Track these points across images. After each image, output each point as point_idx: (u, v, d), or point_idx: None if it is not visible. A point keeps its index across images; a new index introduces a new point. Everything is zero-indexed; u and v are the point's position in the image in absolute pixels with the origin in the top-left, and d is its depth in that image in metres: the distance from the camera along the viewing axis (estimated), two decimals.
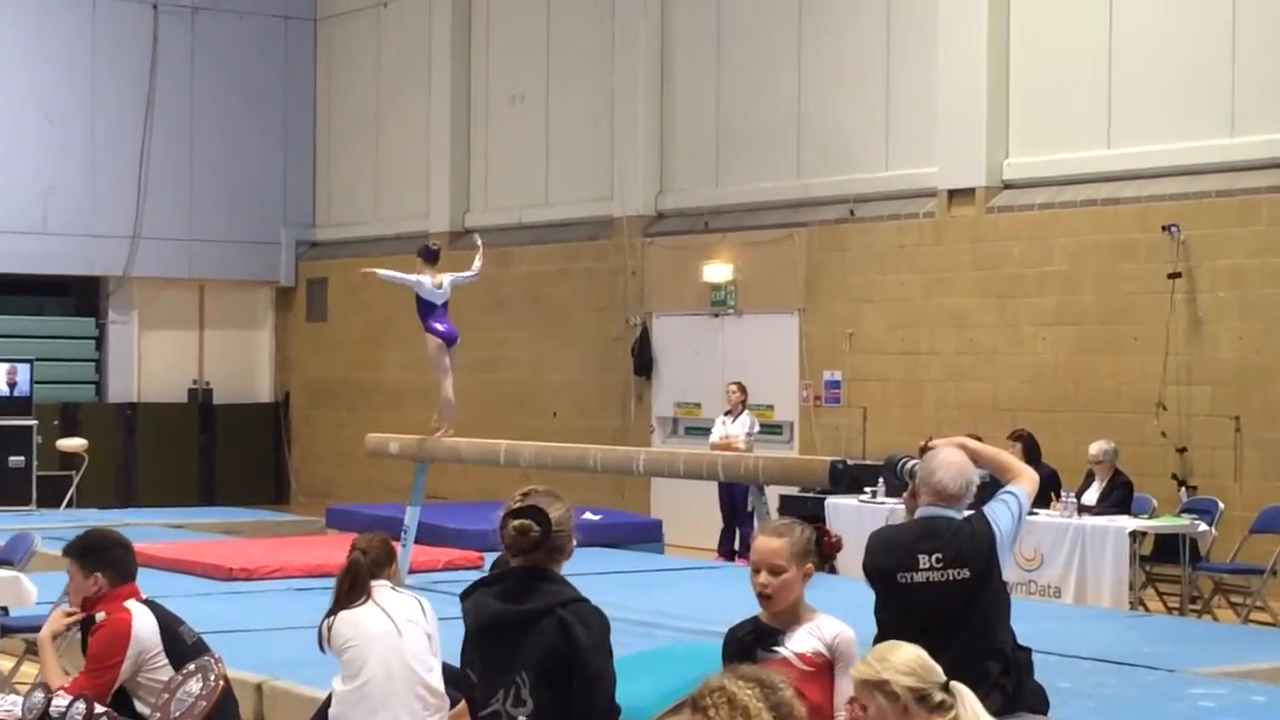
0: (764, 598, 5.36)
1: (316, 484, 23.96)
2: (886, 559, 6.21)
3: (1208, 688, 9.07)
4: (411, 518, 12.78)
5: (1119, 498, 13.77)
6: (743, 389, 16.77)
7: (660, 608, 11.89)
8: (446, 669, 6.58)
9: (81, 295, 23.89)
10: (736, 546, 16.41)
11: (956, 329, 16.50)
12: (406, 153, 23.26)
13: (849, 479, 10.73)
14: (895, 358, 17.05)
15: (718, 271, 18.83)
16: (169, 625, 6.39)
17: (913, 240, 16.98)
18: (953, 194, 16.61)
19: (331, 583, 6.85)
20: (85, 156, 23.16)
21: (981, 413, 15.88)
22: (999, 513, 6.22)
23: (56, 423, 21.92)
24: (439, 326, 12.92)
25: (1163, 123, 15.18)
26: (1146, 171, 15.26)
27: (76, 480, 20.45)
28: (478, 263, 13.24)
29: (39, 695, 5.80)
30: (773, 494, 13.02)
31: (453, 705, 6.43)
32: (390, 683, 6.50)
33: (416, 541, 13.04)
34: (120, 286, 23.69)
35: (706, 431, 17.32)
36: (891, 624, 6.19)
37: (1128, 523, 13.29)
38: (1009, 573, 6.37)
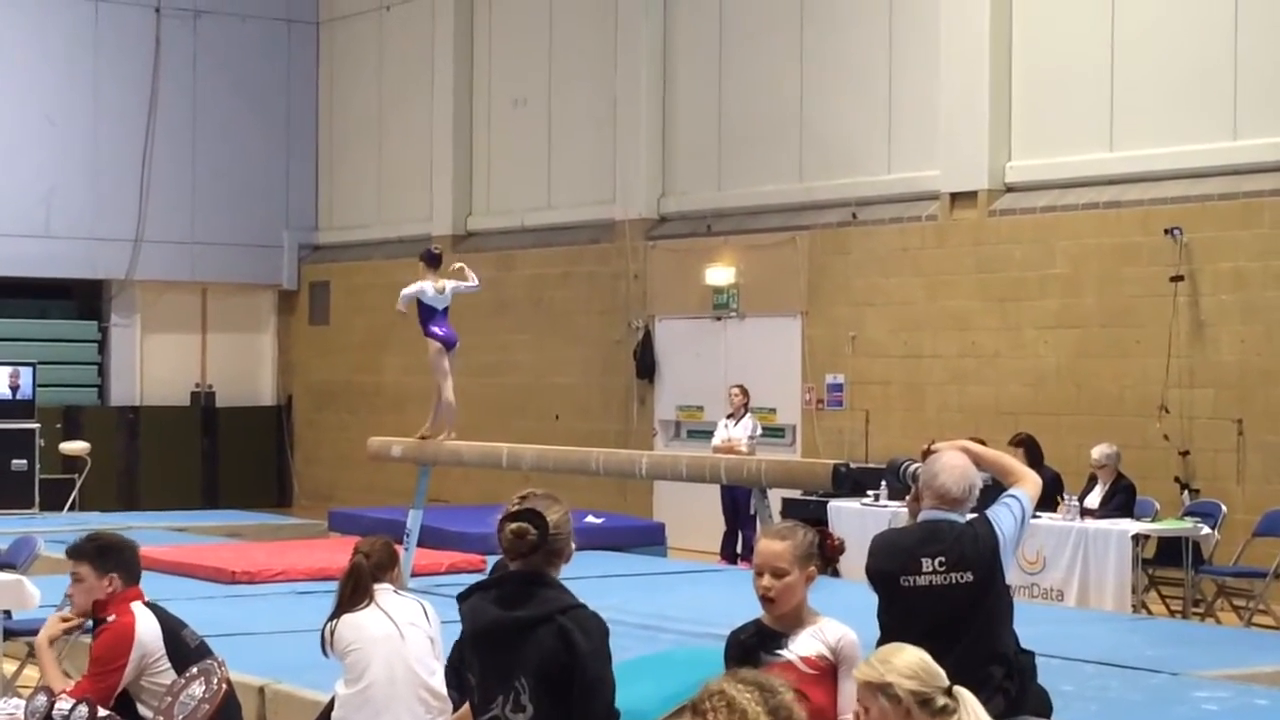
0: (767, 601, 5.35)
1: (319, 487, 23.96)
2: (889, 562, 6.21)
3: (1211, 691, 9.07)
4: (414, 521, 12.78)
5: (1121, 501, 13.77)
6: (745, 392, 16.78)
7: (663, 611, 11.89)
8: (449, 672, 6.58)
9: (84, 298, 23.90)
10: (739, 549, 16.41)
11: (959, 332, 16.50)
12: (409, 156, 23.27)
13: (851, 482, 10.72)
14: (897, 361, 17.05)
15: (720, 274, 18.83)
16: (172, 629, 6.39)
17: (915, 243, 16.98)
18: (955, 197, 16.62)
19: (334, 586, 6.86)
20: (88, 159, 23.17)
21: (984, 416, 15.88)
22: (1002, 516, 6.22)
23: (59, 426, 21.93)
24: (438, 331, 12.91)
25: (1165, 126, 15.18)
26: (1149, 174, 15.26)
27: (79, 483, 20.44)
28: (472, 277, 13.16)
29: (41, 699, 5.80)
30: (775, 497, 13.01)
31: (455, 708, 6.43)
32: (393, 686, 6.50)
33: (419, 545, 13.04)
34: (123, 290, 23.69)
35: (709, 434, 17.32)
36: (894, 627, 6.19)
37: (1130, 526, 13.28)
38: (1012, 576, 6.36)
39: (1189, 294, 14.72)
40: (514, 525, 5.03)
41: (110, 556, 6.43)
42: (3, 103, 22.57)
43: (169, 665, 6.25)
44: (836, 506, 14.71)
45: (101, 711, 5.87)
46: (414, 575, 12.39)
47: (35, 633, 7.21)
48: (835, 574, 11.78)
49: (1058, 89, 16.04)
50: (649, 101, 19.80)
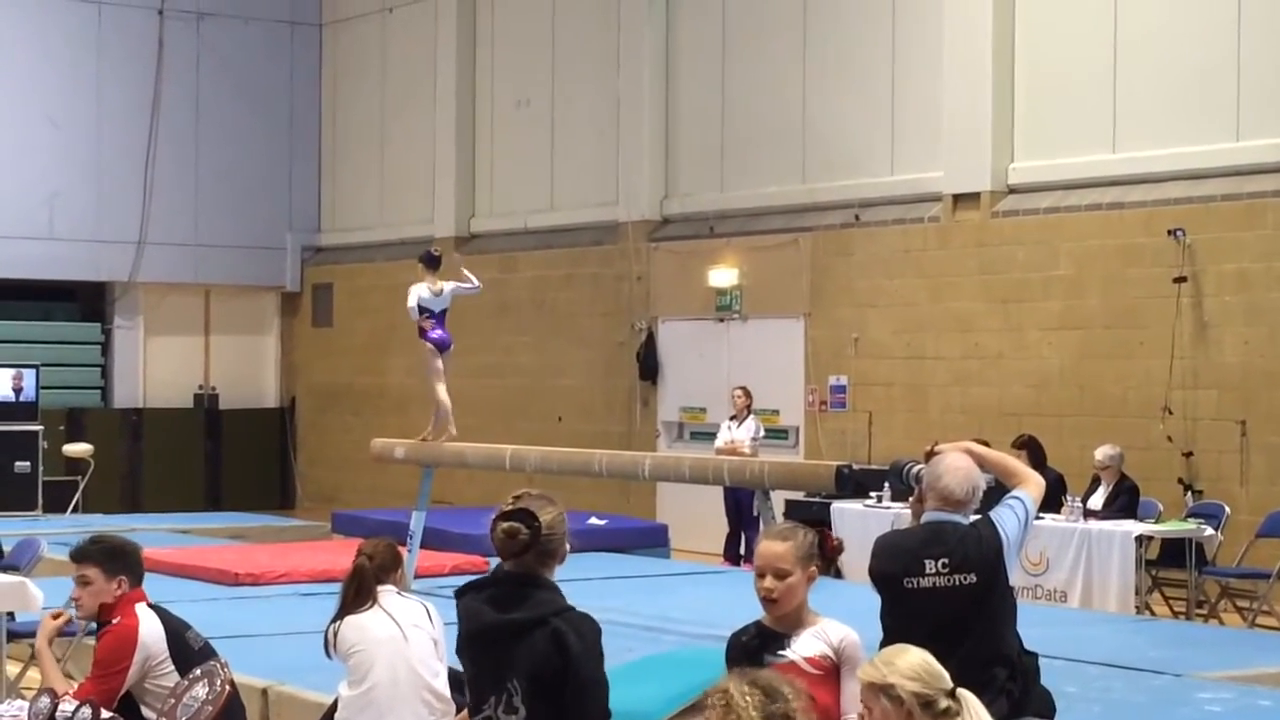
0: (769, 602, 5.35)
1: (322, 489, 23.97)
2: (892, 564, 6.20)
3: (1214, 692, 9.07)
4: (417, 522, 12.79)
5: (1125, 502, 13.77)
6: (748, 394, 16.77)
7: (666, 612, 11.89)
8: (452, 674, 6.58)
9: (87, 300, 23.91)
10: (742, 551, 16.41)
11: (962, 333, 16.50)
12: (412, 158, 23.27)
13: (854, 484, 10.72)
14: (900, 362, 17.05)
15: (723, 276, 18.83)
16: (175, 630, 6.39)
17: (918, 245, 16.98)
18: (958, 198, 16.62)
19: (337, 588, 6.86)
20: (91, 162, 23.18)
21: (987, 417, 15.87)
22: (1005, 518, 6.21)
23: (62, 428, 21.93)
24: (431, 334, 12.91)
25: (1168, 127, 15.18)
26: (1152, 176, 15.26)
27: (82, 485, 20.44)
28: (472, 278, 13.17)
29: (45, 700, 5.80)
30: (778, 499, 13.02)
31: (459, 710, 6.43)
32: (396, 687, 6.50)
33: (422, 546, 13.05)
34: (126, 292, 23.70)
35: (712, 436, 17.32)
36: (897, 629, 6.19)
37: (1134, 527, 13.27)
38: (1015, 577, 6.35)
39: (1192, 295, 14.72)
40: (505, 525, 5.02)
41: (118, 559, 6.43)
42: (6, 105, 22.58)
43: (173, 667, 6.25)
44: (839, 508, 14.71)
45: (105, 713, 5.87)
46: (417, 577, 12.40)
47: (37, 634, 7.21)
48: (838, 575, 11.80)
49: (1060, 90, 16.04)
50: (652, 103, 19.81)
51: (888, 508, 14.14)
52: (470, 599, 5.11)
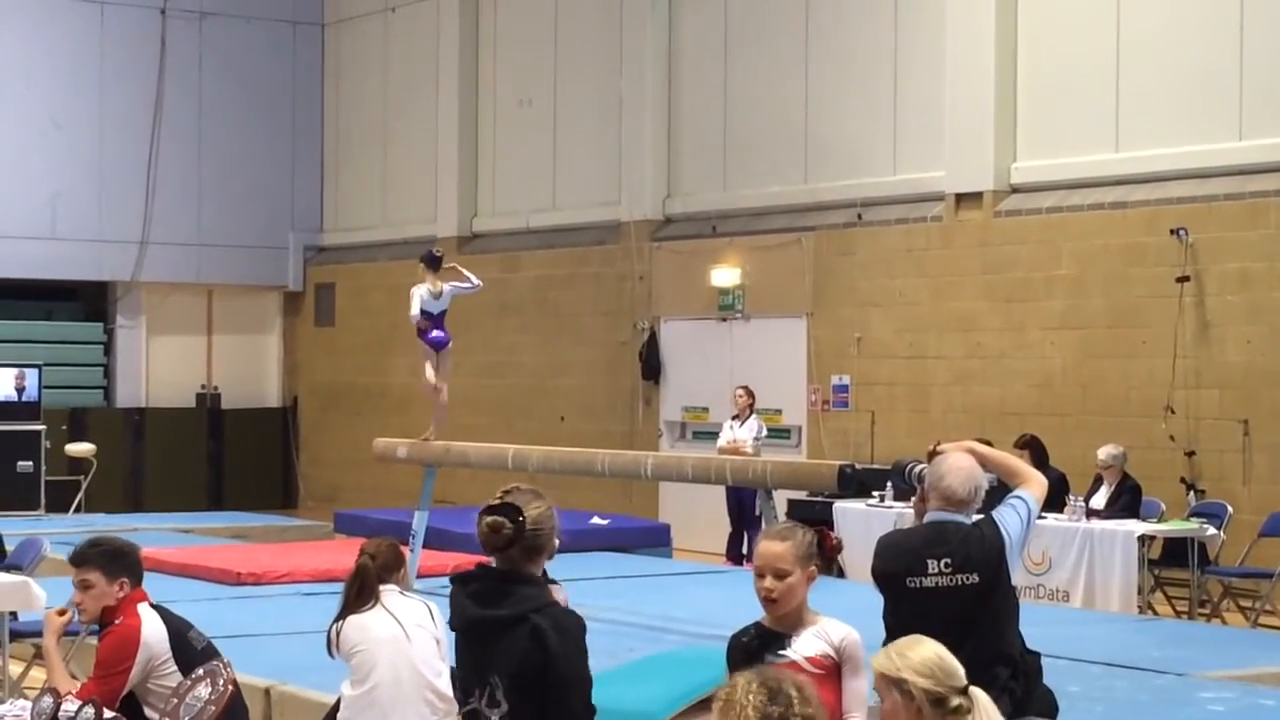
0: (770, 602, 5.34)
1: (324, 489, 23.97)
2: (895, 564, 6.21)
3: (1217, 692, 9.07)
4: (420, 522, 12.79)
5: (1127, 502, 13.77)
6: (750, 393, 16.77)
7: (668, 612, 11.90)
8: (454, 673, 6.58)
9: (90, 300, 23.92)
10: (745, 550, 16.40)
11: (964, 333, 16.50)
12: (414, 157, 23.27)
13: (857, 483, 10.71)
14: (903, 362, 17.05)
15: (725, 276, 18.83)
16: (178, 631, 6.39)
17: (920, 244, 16.97)
18: (960, 198, 16.61)
19: (340, 587, 6.86)
20: (93, 162, 23.19)
21: (989, 417, 15.87)
22: (1008, 517, 6.22)
23: (65, 428, 21.94)
24: (429, 334, 12.92)
25: (1171, 126, 15.17)
26: (1154, 175, 15.25)
27: (85, 485, 20.45)
28: (471, 277, 13.17)
29: (48, 700, 5.80)
30: (781, 498, 13.02)
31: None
32: (399, 687, 6.50)
33: (425, 546, 13.05)
34: (128, 291, 23.71)
35: (714, 435, 17.32)
36: (900, 629, 6.18)
37: (1136, 526, 13.28)
38: (1017, 577, 6.35)
39: (1195, 294, 14.71)
40: (489, 519, 5.02)
41: (118, 561, 6.42)
42: (8, 106, 22.59)
43: (175, 667, 6.25)
44: (842, 508, 14.72)
45: (108, 713, 5.86)
46: (419, 576, 12.39)
47: (41, 634, 7.21)
48: (840, 575, 11.80)
49: (1063, 90, 16.03)
50: (654, 102, 19.81)
51: (890, 507, 14.14)
52: (455, 592, 5.12)
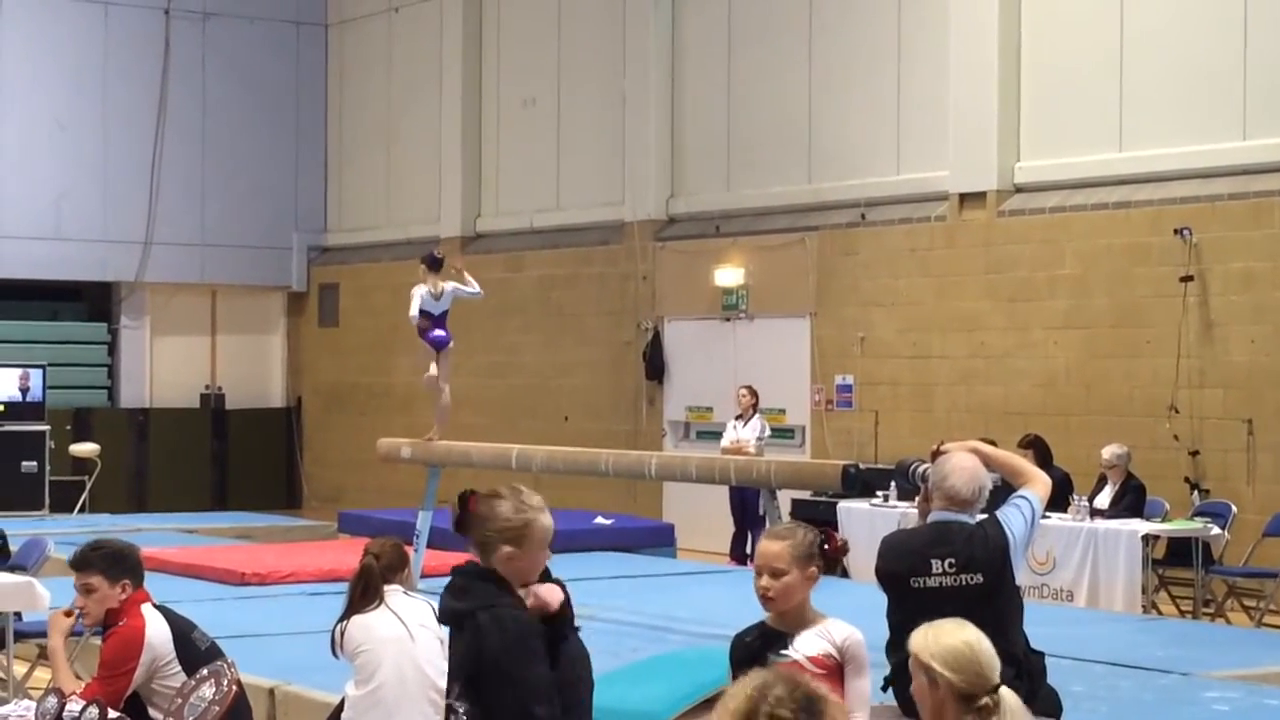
0: (766, 600, 5.35)
1: (328, 489, 23.98)
2: (899, 564, 6.21)
3: (1221, 691, 9.06)
4: (424, 522, 12.79)
5: (1131, 501, 13.76)
6: (753, 393, 16.76)
7: (672, 611, 11.90)
8: None
9: (94, 300, 23.93)
10: (749, 550, 16.40)
11: (968, 333, 16.49)
12: (418, 157, 23.28)
13: (861, 483, 10.72)
14: (907, 361, 17.04)
15: (729, 275, 18.83)
16: (182, 631, 6.39)
17: (924, 244, 16.97)
18: (964, 197, 16.61)
19: (344, 587, 6.86)
20: (97, 162, 23.20)
21: (993, 416, 15.87)
22: (1012, 517, 6.22)
23: (69, 428, 21.95)
24: (430, 333, 12.92)
25: (1174, 126, 15.17)
26: (1158, 175, 15.25)
27: (89, 485, 20.47)
28: (473, 283, 13.16)
29: (52, 700, 5.81)
30: (785, 498, 13.02)
31: None
32: (403, 687, 6.50)
33: (429, 546, 13.05)
34: (132, 292, 23.72)
35: (718, 435, 17.32)
36: (904, 628, 6.18)
37: (1140, 526, 13.27)
38: (1021, 577, 6.35)
39: (1199, 294, 14.71)
40: (459, 495, 5.00)
41: (120, 563, 6.42)
42: (13, 107, 22.60)
43: (179, 668, 6.25)
44: (846, 507, 14.72)
45: (112, 714, 5.87)
46: (424, 576, 12.37)
47: (45, 634, 7.22)
48: (844, 575, 11.79)
49: (1067, 89, 16.02)
50: (658, 102, 19.81)
51: (894, 507, 14.14)
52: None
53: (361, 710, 6.52)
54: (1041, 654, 6.25)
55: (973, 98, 16.46)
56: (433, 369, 13.04)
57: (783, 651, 5.30)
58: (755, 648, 5.33)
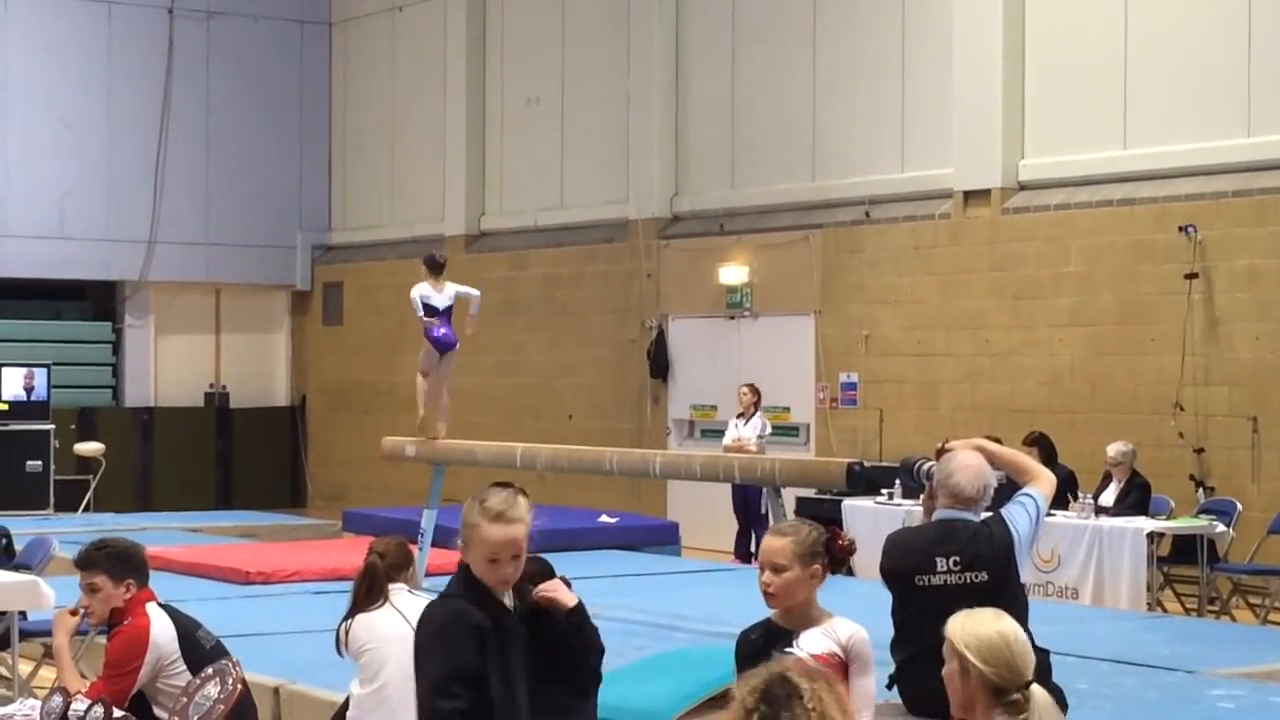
0: (768, 596, 5.36)
1: (333, 487, 23.99)
2: (904, 562, 6.21)
3: (1227, 689, 9.05)
4: (428, 521, 12.78)
5: (1136, 499, 13.75)
6: (755, 391, 16.75)
7: (677, 610, 11.89)
8: None
9: (98, 300, 23.94)
10: (753, 549, 16.40)
11: (973, 330, 16.49)
12: (422, 156, 23.29)
13: (866, 481, 10.71)
14: (911, 359, 17.04)
15: (733, 274, 18.83)
16: (187, 630, 6.39)
17: (928, 242, 16.97)
18: (968, 195, 16.60)
19: (349, 586, 6.86)
20: (102, 161, 23.21)
21: (998, 414, 15.87)
22: (1017, 515, 6.22)
23: (74, 427, 21.96)
24: (435, 332, 12.89)
25: (1179, 123, 15.16)
26: (1163, 172, 15.24)
27: (94, 484, 20.47)
28: (473, 294, 13.11)
29: (57, 699, 5.81)
30: (789, 496, 13.01)
31: None
32: (407, 685, 6.46)
33: (433, 544, 13.04)
34: (137, 291, 23.74)
35: (723, 433, 17.30)
36: (909, 626, 6.19)
37: (1145, 524, 13.26)
38: (1026, 574, 6.35)
39: (1203, 291, 14.70)
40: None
41: (124, 562, 6.42)
42: (17, 106, 22.61)
43: (184, 667, 6.25)
44: (851, 505, 14.71)
45: (117, 712, 5.87)
46: (428, 575, 12.37)
47: (50, 633, 7.22)
48: (850, 573, 11.79)
49: (1071, 86, 16.02)
50: (662, 100, 19.80)
51: (899, 505, 14.14)
52: None
53: (366, 709, 6.52)
54: (1046, 651, 6.24)
55: (977, 95, 16.45)
56: (420, 381, 12.96)
57: (787, 649, 5.31)
58: (760, 645, 5.34)
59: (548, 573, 5.30)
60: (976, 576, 6.06)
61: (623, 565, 14.68)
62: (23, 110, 22.64)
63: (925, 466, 6.52)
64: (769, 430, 16.72)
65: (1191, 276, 14.68)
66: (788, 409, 18.11)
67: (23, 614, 9.76)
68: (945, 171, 16.82)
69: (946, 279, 16.75)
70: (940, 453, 6.38)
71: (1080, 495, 13.70)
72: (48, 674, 9.37)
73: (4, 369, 20.81)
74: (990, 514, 6.26)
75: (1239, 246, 14.53)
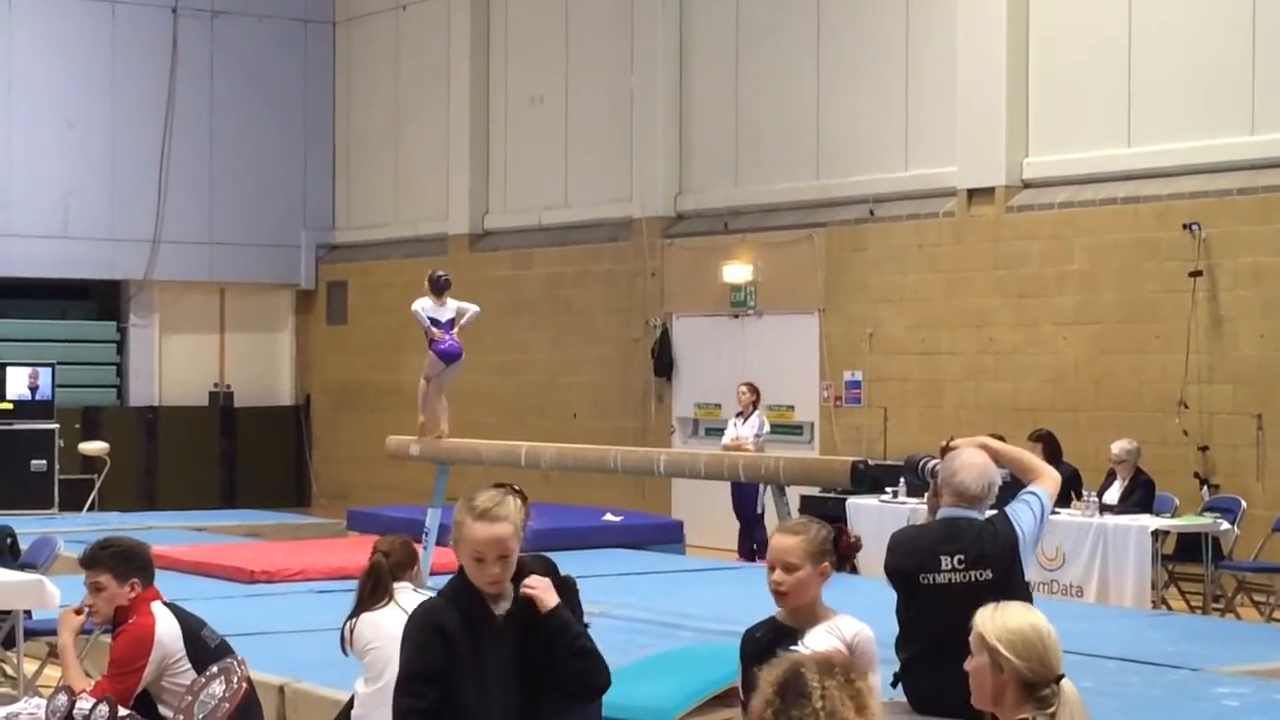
0: (779, 595, 5.36)
1: (337, 486, 24.00)
2: (908, 560, 6.21)
3: (1231, 687, 9.05)
4: (433, 520, 12.79)
5: (1141, 497, 13.74)
6: (753, 390, 16.74)
7: (681, 608, 11.89)
8: None
9: (102, 299, 23.95)
10: (754, 547, 16.40)
11: (977, 329, 16.48)
12: (426, 155, 23.29)
13: (870, 479, 10.72)
14: (915, 358, 17.03)
15: (737, 272, 18.82)
16: (192, 629, 6.39)
17: (932, 240, 16.96)
18: (972, 193, 16.59)
19: (353, 585, 6.87)
20: (106, 161, 23.22)
21: (1002, 412, 15.86)
22: (1021, 513, 6.22)
23: (78, 426, 21.98)
24: (440, 344, 12.92)
25: (1183, 121, 15.15)
26: (1167, 170, 15.23)
27: (98, 484, 20.49)
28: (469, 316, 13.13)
29: (62, 698, 5.81)
30: (794, 494, 13.01)
31: None
32: None
33: (438, 543, 13.05)
34: (141, 290, 23.75)
35: None
36: (913, 624, 6.19)
37: (1150, 522, 13.26)
38: (1031, 573, 6.35)
39: (1208, 289, 14.69)
40: None
41: (129, 561, 6.42)
42: (21, 105, 22.63)
43: (189, 665, 6.25)
44: (855, 504, 14.71)
45: (122, 711, 5.87)
46: (433, 574, 12.38)
47: (55, 632, 7.22)
48: (854, 571, 11.78)
49: (1075, 84, 16.01)
50: (666, 99, 19.80)
51: (903, 503, 14.14)
52: None
53: (371, 707, 6.53)
54: None
55: (981, 93, 16.44)
56: (422, 385, 12.98)
57: (793, 647, 5.30)
58: (765, 643, 5.34)
59: (551, 573, 5.29)
60: (981, 575, 6.06)
61: (627, 564, 14.68)
62: (27, 110, 22.65)
63: (930, 465, 6.52)
64: (767, 429, 16.72)
65: (1196, 274, 14.67)
66: (792, 407, 18.11)
67: (28, 613, 9.77)
68: (949, 170, 16.82)
69: (950, 277, 16.75)
70: (945, 451, 6.38)
71: (1085, 493, 13.70)
72: (53, 673, 9.37)
73: (9, 368, 20.84)
74: (995, 512, 6.26)
75: (1243, 244, 14.53)
